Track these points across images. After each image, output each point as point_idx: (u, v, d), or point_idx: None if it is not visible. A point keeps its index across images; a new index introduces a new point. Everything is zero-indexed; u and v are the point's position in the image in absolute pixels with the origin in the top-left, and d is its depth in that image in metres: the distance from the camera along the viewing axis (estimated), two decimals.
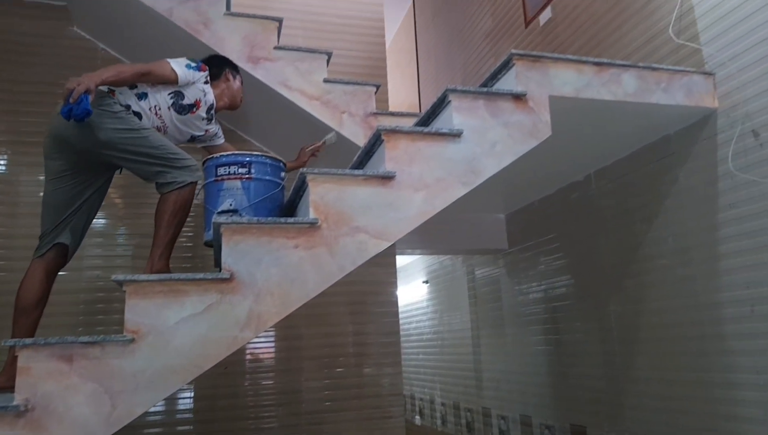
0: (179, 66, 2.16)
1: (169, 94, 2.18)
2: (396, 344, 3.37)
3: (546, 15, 3.19)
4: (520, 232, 3.60)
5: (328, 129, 2.68)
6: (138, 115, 2.10)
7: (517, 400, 3.66)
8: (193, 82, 2.20)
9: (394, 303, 3.45)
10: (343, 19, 3.64)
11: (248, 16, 2.70)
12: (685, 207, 2.35)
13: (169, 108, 2.18)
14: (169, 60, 2.16)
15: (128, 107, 2.08)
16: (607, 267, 2.81)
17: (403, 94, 5.63)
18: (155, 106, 2.15)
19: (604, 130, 2.39)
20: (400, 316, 3.51)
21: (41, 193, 2.86)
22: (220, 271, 1.63)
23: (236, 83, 2.42)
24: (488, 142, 1.91)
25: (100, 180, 2.16)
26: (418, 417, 5.39)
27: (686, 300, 2.33)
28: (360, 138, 2.71)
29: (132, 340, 1.50)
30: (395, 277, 3.49)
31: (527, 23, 3.40)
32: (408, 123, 2.77)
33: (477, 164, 1.89)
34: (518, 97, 1.95)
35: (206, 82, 2.25)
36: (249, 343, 2.87)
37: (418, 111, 5.22)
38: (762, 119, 2.03)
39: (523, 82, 1.97)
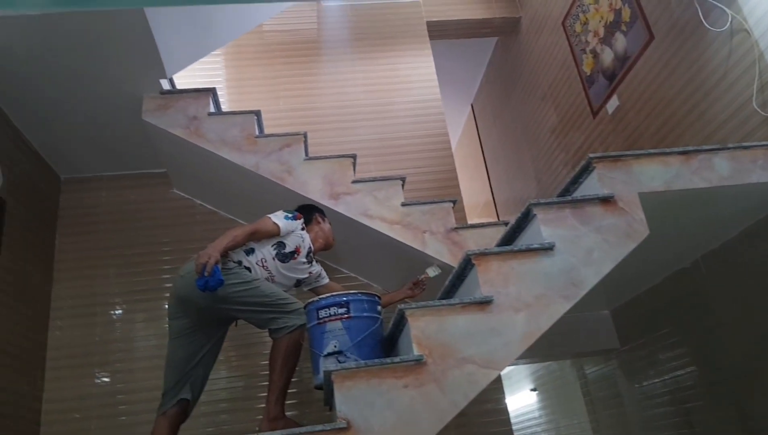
0: (279, 219, 2.40)
1: (272, 245, 2.39)
2: None
3: (613, 103, 3.26)
4: (631, 327, 3.41)
5: (413, 251, 2.78)
6: (248, 269, 2.31)
7: None
8: (292, 231, 2.41)
9: (504, 410, 3.29)
10: (409, 140, 3.89)
11: (325, 157, 2.97)
12: None
13: (273, 258, 2.38)
14: (269, 215, 2.41)
15: (240, 263, 2.30)
16: (737, 356, 2.58)
17: (475, 194, 5.76)
18: (262, 259, 2.36)
19: (704, 215, 2.32)
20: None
21: (154, 348, 3.18)
22: (330, 409, 1.68)
23: (326, 225, 2.64)
24: (583, 250, 1.91)
25: (218, 333, 2.36)
26: None
27: None
28: (444, 255, 2.78)
29: None
30: (500, 383, 3.35)
31: (594, 114, 3.48)
32: (490, 233, 2.84)
33: (576, 275, 1.88)
34: (606, 200, 1.97)
35: (302, 229, 2.47)
36: None
37: (494, 210, 5.31)
38: None
39: (608, 183, 2.00)
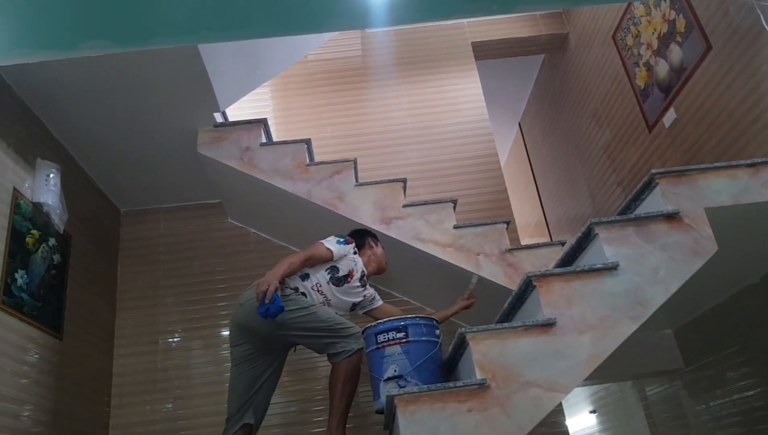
0: (331, 244, 2.46)
1: (326, 270, 2.45)
2: None
3: (670, 116, 3.20)
4: (695, 347, 3.28)
5: (466, 273, 2.78)
6: (304, 294, 2.38)
7: None
8: (345, 255, 2.48)
9: (564, 433, 3.20)
10: (458, 162, 3.92)
11: (375, 183, 3.03)
12: None
13: (328, 283, 2.44)
14: (321, 241, 2.48)
15: (296, 289, 2.37)
16: None
17: (525, 214, 5.71)
18: (317, 284, 2.43)
19: None
20: None
21: (211, 374, 3.28)
22: (390, 434, 1.69)
23: (379, 249, 2.68)
24: (649, 269, 1.87)
25: (279, 359, 2.43)
26: None
27: None
28: (499, 277, 2.77)
29: None
30: (560, 405, 3.26)
31: (650, 128, 3.41)
32: (546, 253, 2.82)
33: (642, 295, 1.84)
34: (671, 217, 1.93)
35: (355, 253, 2.52)
36: None
37: (546, 230, 5.23)
38: None
39: (672, 200, 1.96)
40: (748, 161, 2.03)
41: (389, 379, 2.01)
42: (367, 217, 2.92)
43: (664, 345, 3.46)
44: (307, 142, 3.16)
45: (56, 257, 2.94)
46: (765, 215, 2.06)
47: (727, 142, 2.79)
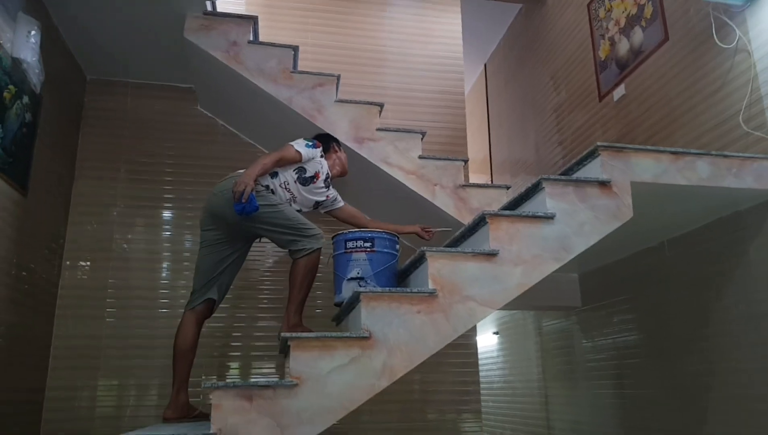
0: (300, 147, 2.72)
1: (294, 170, 2.73)
2: (476, 392, 3.76)
3: (620, 91, 3.65)
4: (594, 291, 3.96)
5: (423, 201, 3.18)
6: (273, 191, 2.67)
7: None
8: (312, 158, 2.75)
9: (473, 346, 3.86)
10: (428, 93, 4.21)
11: (355, 102, 3.28)
12: (755, 278, 2.69)
13: (295, 182, 2.73)
14: (291, 143, 2.72)
15: (267, 187, 2.65)
16: (679, 328, 3.14)
17: (474, 148, 6.14)
18: (285, 182, 2.71)
19: (678, 208, 2.79)
20: None
21: (152, 251, 3.56)
22: (337, 325, 2.10)
23: (343, 154, 2.98)
24: (577, 223, 2.35)
25: (244, 247, 2.73)
26: None
27: (758, 363, 2.64)
28: (451, 208, 3.20)
29: (296, 385, 1.99)
30: (474, 328, 3.89)
31: (601, 98, 3.86)
32: (492, 193, 3.27)
33: (568, 242, 2.32)
34: (604, 184, 2.39)
35: (321, 156, 2.81)
36: None
37: (488, 167, 5.72)
38: None
39: (608, 170, 2.41)
40: (672, 149, 2.50)
41: (352, 279, 2.42)
42: (342, 133, 3.20)
43: (568, 285, 4.12)
44: (295, 48, 3.31)
45: (28, 116, 3.01)
46: (674, 195, 2.58)
47: (659, 125, 3.29)
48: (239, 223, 2.56)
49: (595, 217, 2.37)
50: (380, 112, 3.31)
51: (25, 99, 2.95)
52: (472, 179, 4.92)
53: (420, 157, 3.23)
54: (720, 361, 2.87)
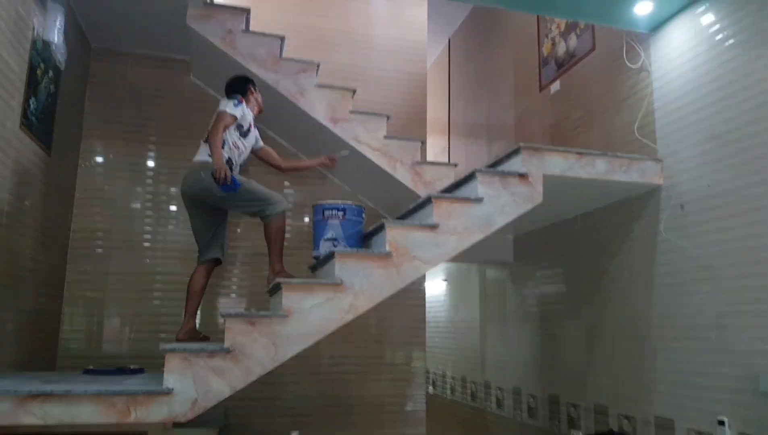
0: (232, 109, 3.15)
1: (234, 129, 3.24)
2: (422, 329, 4.67)
3: (555, 87, 4.42)
4: (524, 250, 4.87)
5: (385, 174, 3.93)
6: (230, 159, 3.21)
7: (511, 375, 4.99)
8: (243, 113, 3.25)
9: (422, 291, 4.71)
10: (392, 73, 4.83)
11: (331, 87, 3.94)
12: (636, 250, 3.60)
13: (239, 137, 3.30)
14: (224, 110, 3.14)
15: (229, 160, 3.23)
16: (584, 284, 4.08)
17: (435, 114, 6.86)
18: (233, 143, 3.26)
19: (582, 193, 3.64)
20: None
21: (135, 202, 4.27)
22: (312, 272, 2.87)
23: (258, 95, 3.48)
24: (499, 205, 3.15)
25: (223, 215, 3.39)
26: (431, 387, 6.74)
27: (632, 310, 3.60)
28: (408, 181, 3.96)
29: (286, 316, 2.79)
30: (423, 277, 4.75)
31: (541, 88, 4.63)
32: (444, 171, 4.04)
33: (491, 219, 3.14)
34: (522, 176, 3.19)
35: (246, 106, 3.31)
36: None
37: (446, 128, 6.48)
38: (688, 196, 3.27)
39: (527, 164, 3.21)
40: (576, 150, 3.32)
41: (327, 239, 3.20)
42: (320, 113, 3.87)
43: (505, 244, 5.02)
44: (281, 38, 3.92)
45: (52, 87, 3.59)
46: (578, 185, 3.41)
47: (581, 121, 4.10)
48: (215, 202, 3.19)
49: (513, 200, 3.18)
50: (353, 95, 3.99)
51: (50, 73, 3.52)
52: (433, 140, 5.65)
53: (385, 137, 3.95)
54: (613, 309, 3.82)
